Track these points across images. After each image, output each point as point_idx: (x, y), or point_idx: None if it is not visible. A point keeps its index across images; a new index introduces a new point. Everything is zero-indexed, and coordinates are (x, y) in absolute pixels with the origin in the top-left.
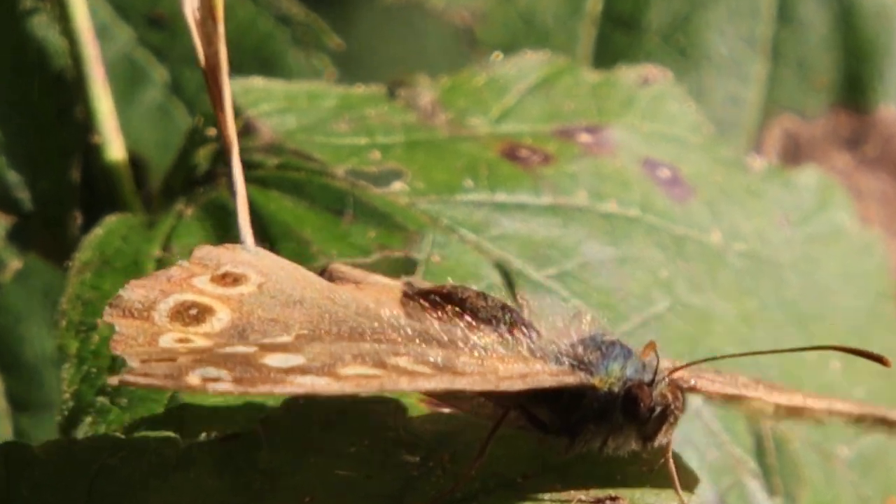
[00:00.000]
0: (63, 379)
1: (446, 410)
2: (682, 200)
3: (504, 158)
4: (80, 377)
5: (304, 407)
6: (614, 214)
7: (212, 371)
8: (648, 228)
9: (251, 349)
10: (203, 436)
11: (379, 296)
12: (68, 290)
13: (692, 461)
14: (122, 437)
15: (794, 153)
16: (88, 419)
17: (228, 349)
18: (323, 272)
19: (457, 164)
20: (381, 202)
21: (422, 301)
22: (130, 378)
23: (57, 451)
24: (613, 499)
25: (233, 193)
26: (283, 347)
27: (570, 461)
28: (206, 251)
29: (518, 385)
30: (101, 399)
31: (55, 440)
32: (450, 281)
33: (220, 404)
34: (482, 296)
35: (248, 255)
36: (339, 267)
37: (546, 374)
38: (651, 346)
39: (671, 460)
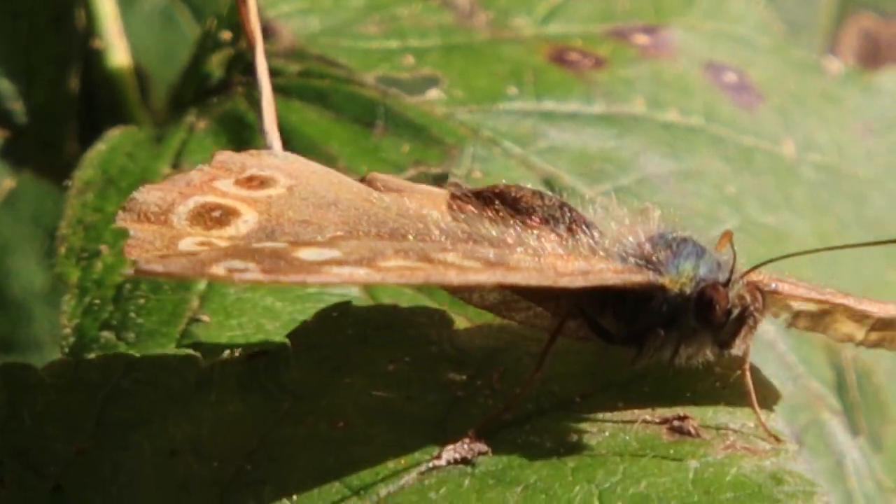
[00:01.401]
0: (63, 312)
1: (498, 322)
2: (750, 108)
3: (552, 63)
4: (82, 309)
5: (338, 320)
6: (675, 124)
7: (238, 264)
8: (713, 139)
9: (282, 245)
10: (226, 354)
11: (426, 202)
12: (68, 212)
13: None
14: (136, 355)
15: (873, 55)
16: (91, 356)
17: (257, 245)
18: (361, 181)
19: (499, 69)
20: (416, 112)
21: (471, 202)
22: (147, 267)
23: (63, 373)
24: (682, 418)
25: (258, 96)
26: (317, 244)
27: (633, 377)
28: (228, 156)
29: (579, 282)
30: (106, 334)
31: (61, 360)
32: (502, 181)
33: (235, 340)
34: (539, 194)
35: (274, 160)
36: (379, 175)
37: (610, 272)
38: (727, 236)
39: (748, 373)
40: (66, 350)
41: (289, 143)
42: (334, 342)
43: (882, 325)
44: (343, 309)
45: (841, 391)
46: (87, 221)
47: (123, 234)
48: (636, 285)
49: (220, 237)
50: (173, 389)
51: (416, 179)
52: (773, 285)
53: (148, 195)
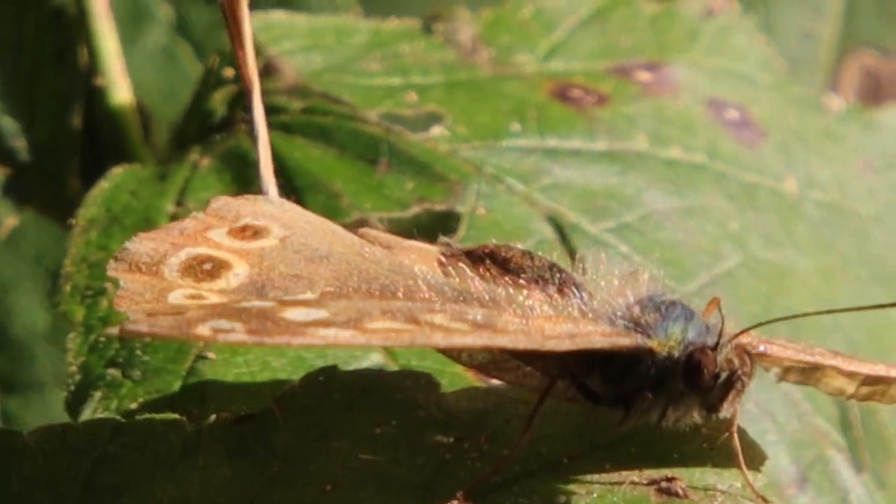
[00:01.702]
0: (69, 350)
1: (484, 385)
2: (752, 145)
3: (554, 99)
4: (88, 347)
5: (325, 384)
6: (678, 161)
7: (224, 324)
8: (716, 176)
9: (270, 304)
10: (213, 418)
11: (419, 255)
12: (72, 250)
13: (770, 434)
14: (123, 420)
15: (874, 93)
16: (98, 394)
17: (245, 304)
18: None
19: (502, 106)
20: (419, 149)
21: (462, 260)
22: (132, 327)
23: (50, 439)
24: (670, 479)
25: (254, 139)
26: (305, 304)
27: (620, 439)
28: (224, 202)
29: (566, 345)
30: (112, 371)
31: (48, 426)
32: (492, 240)
33: (241, 378)
34: (528, 255)
35: (270, 207)
36: (370, 231)
37: (598, 335)
38: (714, 303)
39: (735, 435)
40: (73, 387)
41: (292, 180)
42: (321, 407)
43: (872, 380)
44: (329, 373)
45: (845, 428)
46: (92, 259)
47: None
48: (624, 348)
49: (211, 290)
50: (160, 454)
51: (420, 216)
52: (762, 347)
53: (140, 245)
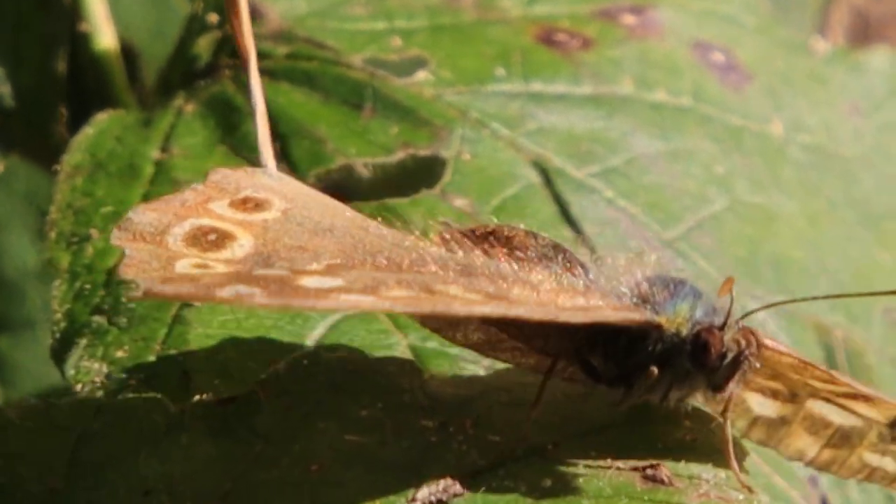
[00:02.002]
0: (53, 297)
1: (470, 371)
2: (738, 88)
3: (539, 44)
4: (73, 294)
5: (309, 367)
6: (663, 104)
7: (243, 289)
8: (702, 119)
9: (284, 272)
10: (196, 399)
11: (420, 238)
12: (57, 197)
13: None
14: (107, 399)
15: (863, 32)
16: (83, 341)
17: (259, 271)
18: None
19: (487, 50)
20: (404, 94)
21: (464, 238)
22: (158, 289)
23: (34, 416)
24: (655, 466)
25: (252, 110)
26: (318, 272)
27: (606, 426)
28: (223, 174)
29: (579, 317)
30: (98, 318)
31: (32, 403)
32: (494, 220)
33: (227, 325)
34: (532, 234)
35: (269, 180)
36: None
37: (609, 309)
38: (729, 283)
39: (728, 421)
40: (58, 335)
41: (277, 126)
42: (305, 389)
43: (840, 440)
44: (313, 357)
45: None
46: (77, 206)
47: (114, 217)
48: (633, 323)
49: (217, 260)
50: (144, 432)
51: (405, 161)
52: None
53: (143, 216)
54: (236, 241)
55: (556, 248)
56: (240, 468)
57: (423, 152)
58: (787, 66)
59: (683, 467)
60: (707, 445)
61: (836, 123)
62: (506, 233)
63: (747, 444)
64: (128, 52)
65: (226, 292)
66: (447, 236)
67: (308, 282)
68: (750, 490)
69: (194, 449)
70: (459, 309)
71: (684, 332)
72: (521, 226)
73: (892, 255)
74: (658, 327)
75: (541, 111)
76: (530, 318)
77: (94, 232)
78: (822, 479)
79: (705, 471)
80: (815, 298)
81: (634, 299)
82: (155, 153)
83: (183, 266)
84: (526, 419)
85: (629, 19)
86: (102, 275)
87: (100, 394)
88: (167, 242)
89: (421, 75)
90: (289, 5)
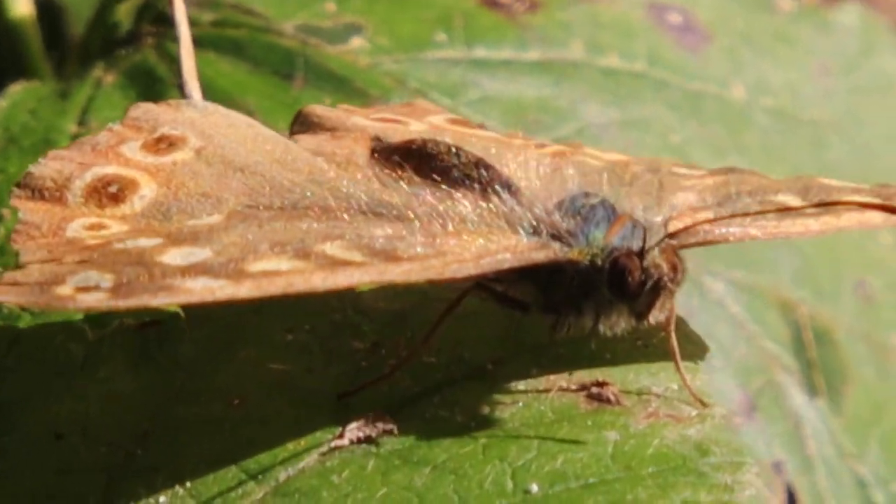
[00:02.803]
0: None
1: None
2: (696, 50)
3: (483, 6)
4: None
5: None
6: (616, 69)
7: (93, 276)
8: (657, 85)
9: (153, 241)
10: (116, 324)
11: (352, 147)
12: None
13: (714, 360)
14: (19, 328)
15: None
16: None
17: (129, 243)
18: (297, 116)
19: (426, 14)
20: (338, 63)
21: (391, 156)
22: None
23: None
24: (601, 384)
25: (176, 42)
26: (192, 238)
27: (550, 340)
28: (144, 110)
29: (470, 270)
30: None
31: None
32: (420, 136)
33: None
34: (455, 151)
35: (193, 113)
36: (315, 110)
37: (508, 254)
38: (622, 219)
39: (672, 335)
40: None
41: (203, 97)
42: (229, 311)
43: None
44: None
45: (797, 350)
46: None
47: None
48: (538, 262)
49: (114, 216)
50: (59, 365)
51: None
52: (703, 234)
53: (45, 167)
54: (138, 192)
55: (479, 165)
56: (159, 405)
57: None
58: (749, 25)
59: (633, 380)
60: (661, 351)
61: (803, 85)
62: (429, 149)
63: None
64: (48, 16)
65: (66, 290)
66: (377, 155)
67: (172, 256)
68: (702, 403)
69: (112, 383)
70: (319, 284)
71: (600, 261)
72: (447, 139)
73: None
74: (570, 261)
75: (485, 78)
76: (407, 280)
77: (6, 212)
78: (787, 466)
79: (656, 383)
80: (748, 214)
81: (548, 229)
82: (72, 127)
83: (74, 229)
84: (411, 355)
85: None
86: (15, 257)
87: (20, 324)
88: (66, 199)
89: (356, 42)
90: None
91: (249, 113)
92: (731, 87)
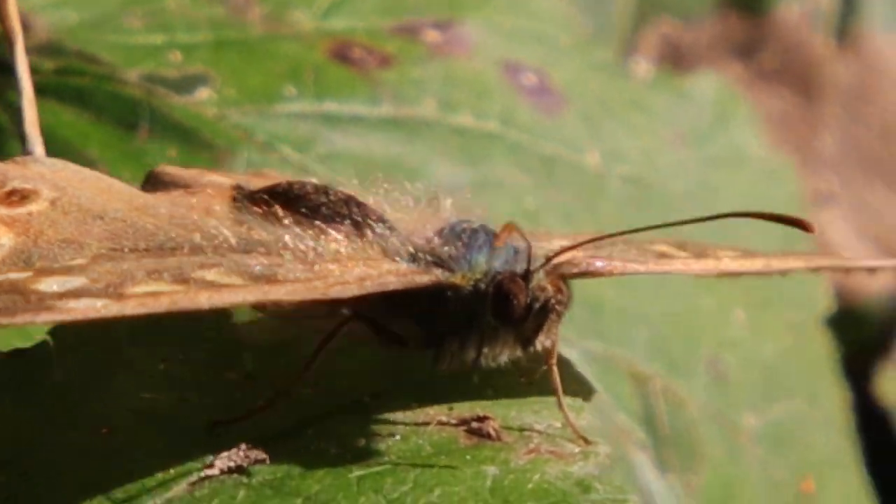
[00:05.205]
0: None
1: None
2: (551, 113)
3: (333, 60)
4: None
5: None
6: (469, 129)
7: None
8: (511, 146)
9: (24, 275)
10: None
11: (210, 200)
12: None
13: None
14: None
15: (674, 62)
16: None
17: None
18: (148, 177)
19: (275, 67)
20: (184, 114)
21: (252, 203)
22: None
23: None
24: (482, 419)
25: (18, 93)
26: (65, 271)
27: (433, 374)
28: None
29: (353, 290)
30: None
31: None
32: (284, 178)
33: None
34: (323, 190)
35: (40, 168)
36: (167, 169)
37: (392, 276)
38: (509, 228)
39: (555, 368)
40: None
41: (44, 147)
42: (102, 340)
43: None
44: None
45: (650, 424)
46: None
47: None
48: (424, 286)
49: None
50: None
51: None
52: (599, 263)
53: None
54: None
55: (349, 203)
56: (24, 434)
57: None
58: (605, 90)
59: (515, 417)
60: (544, 388)
61: (658, 154)
62: (296, 191)
63: None
64: None
65: None
66: (237, 201)
67: (46, 285)
68: (586, 441)
69: None
70: (205, 302)
71: (483, 286)
72: (314, 180)
73: (717, 299)
74: (453, 286)
75: (335, 133)
76: (293, 299)
77: None
78: None
79: (539, 420)
80: (623, 233)
81: (428, 256)
82: None
83: None
84: (289, 387)
85: (433, 36)
86: None
87: None
88: None
89: (203, 93)
90: (58, 16)
91: (92, 163)
92: (586, 153)
